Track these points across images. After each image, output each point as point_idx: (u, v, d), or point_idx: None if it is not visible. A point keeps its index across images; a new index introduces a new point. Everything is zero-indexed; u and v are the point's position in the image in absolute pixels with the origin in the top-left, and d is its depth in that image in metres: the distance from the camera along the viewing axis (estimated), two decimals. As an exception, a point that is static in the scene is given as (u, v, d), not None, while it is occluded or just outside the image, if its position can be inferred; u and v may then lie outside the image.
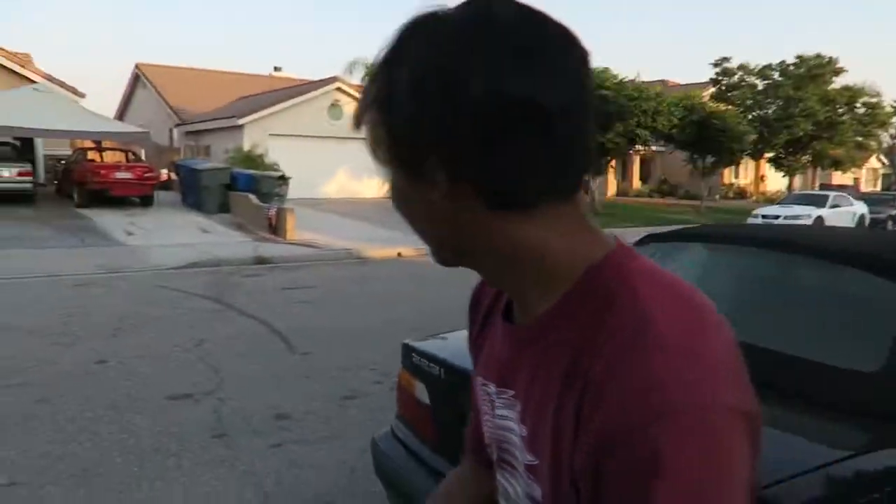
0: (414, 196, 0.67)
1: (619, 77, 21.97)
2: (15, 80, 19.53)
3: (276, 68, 36.89)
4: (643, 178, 39.37)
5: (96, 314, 7.64)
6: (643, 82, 22.79)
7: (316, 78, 26.29)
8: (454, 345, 2.41)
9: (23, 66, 20.52)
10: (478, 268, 0.72)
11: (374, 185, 25.54)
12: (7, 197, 16.67)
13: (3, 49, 20.40)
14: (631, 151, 27.71)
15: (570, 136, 0.62)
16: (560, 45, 0.63)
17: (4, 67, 20.16)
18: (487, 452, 0.84)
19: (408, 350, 2.55)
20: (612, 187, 35.99)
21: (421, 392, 2.44)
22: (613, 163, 26.51)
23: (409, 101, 0.61)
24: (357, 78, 28.78)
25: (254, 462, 3.82)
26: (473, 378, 0.85)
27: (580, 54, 0.64)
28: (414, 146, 0.63)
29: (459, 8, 0.63)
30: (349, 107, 24.62)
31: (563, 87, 0.61)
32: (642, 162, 39.06)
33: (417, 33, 0.63)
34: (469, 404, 0.94)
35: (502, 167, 0.61)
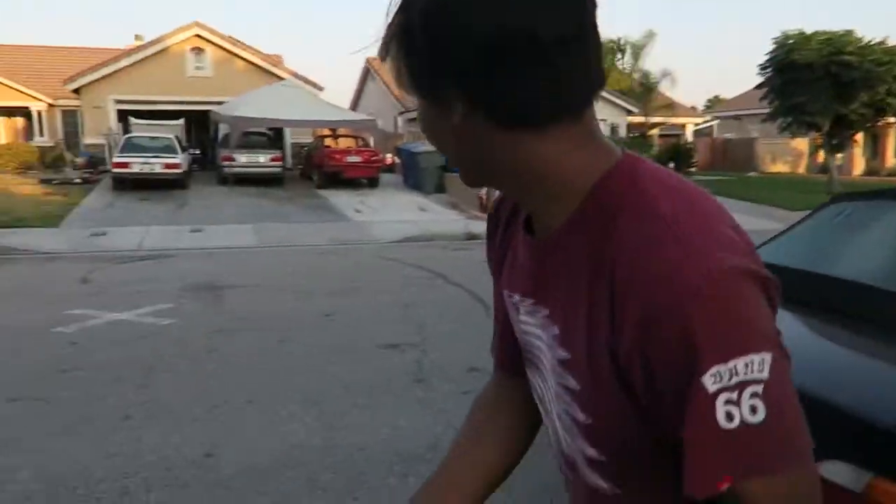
0: (438, 122, 0.73)
1: (865, 40, 19.31)
2: (268, 78, 22.50)
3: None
4: (900, 154, 34.19)
5: (327, 277, 8.75)
6: (891, 47, 19.81)
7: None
8: None
9: (274, 65, 23.54)
10: (501, 187, 0.80)
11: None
12: (262, 179, 19.36)
13: (258, 51, 23.59)
14: (881, 123, 24.20)
15: (570, 61, 0.66)
16: None
17: (260, 67, 23.31)
18: (514, 362, 0.93)
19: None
20: (858, 165, 31.79)
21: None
22: (859, 137, 23.45)
23: (422, 36, 0.68)
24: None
25: (447, 403, 4.26)
26: (497, 291, 0.93)
27: None
28: (431, 77, 0.70)
29: None
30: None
31: (560, 18, 0.65)
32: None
33: None
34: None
35: (509, 92, 0.66)
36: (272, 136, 21.59)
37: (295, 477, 3.34)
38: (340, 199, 17.65)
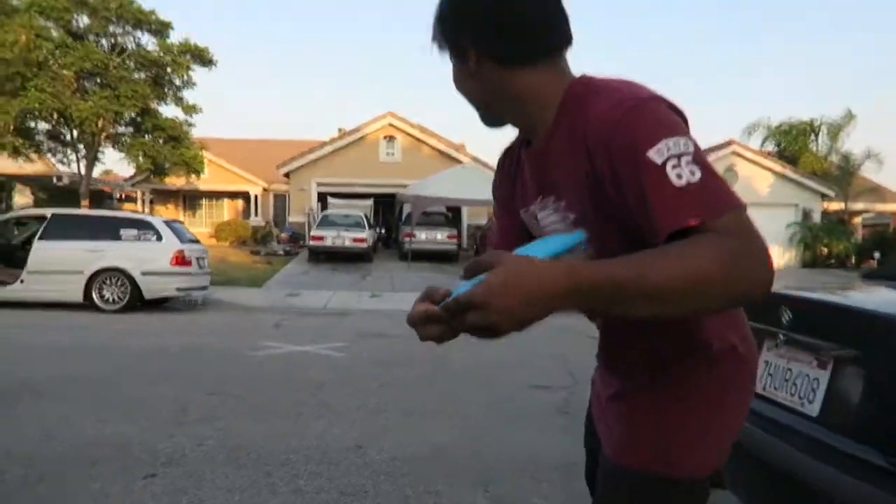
0: (462, 74, 1.09)
1: None
2: (451, 163, 24.06)
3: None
4: None
5: (489, 334, 9.04)
6: None
7: (706, 147, 25.99)
8: None
9: (457, 151, 25.17)
10: (507, 116, 1.12)
11: (774, 253, 23.34)
12: (438, 255, 20.46)
13: (443, 138, 25.41)
14: None
15: (541, 24, 1.04)
16: None
17: (443, 153, 25.04)
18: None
19: None
20: None
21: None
22: None
23: (449, 13, 1.07)
24: (757, 141, 27.48)
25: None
26: (501, 215, 1.33)
27: None
28: (451, 33, 1.07)
29: None
30: (745, 170, 23.67)
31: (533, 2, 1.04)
32: None
33: None
34: None
35: (504, 42, 1.04)
36: (450, 216, 22.84)
37: (435, 468, 3.56)
38: (510, 274, 18.04)
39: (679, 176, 0.86)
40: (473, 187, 20.00)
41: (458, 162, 24.03)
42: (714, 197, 0.87)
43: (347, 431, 4.19)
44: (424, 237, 20.41)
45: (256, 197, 29.97)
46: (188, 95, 20.02)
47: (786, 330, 2.10)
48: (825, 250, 23.92)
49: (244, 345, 7.38)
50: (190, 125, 20.08)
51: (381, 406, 4.87)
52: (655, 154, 0.88)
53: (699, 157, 0.89)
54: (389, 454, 3.78)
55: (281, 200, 29.57)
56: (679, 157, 0.88)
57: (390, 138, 25.44)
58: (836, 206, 25.43)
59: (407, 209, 21.24)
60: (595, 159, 0.96)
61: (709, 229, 0.84)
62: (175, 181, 23.50)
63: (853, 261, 23.78)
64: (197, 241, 11.91)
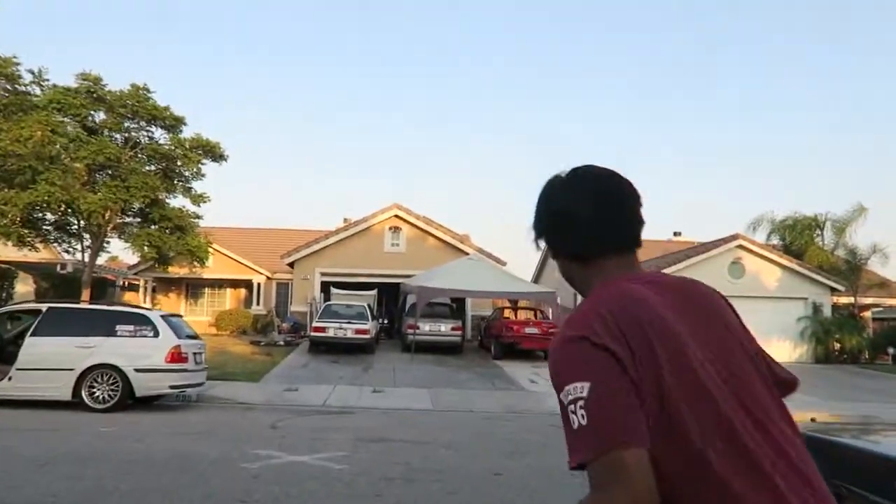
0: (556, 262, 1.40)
1: None
2: (456, 254, 23.97)
3: (675, 233, 37.59)
4: None
5: (497, 439, 8.52)
6: None
7: (712, 240, 25.96)
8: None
9: (462, 242, 25.14)
10: (580, 291, 1.36)
11: (785, 347, 23.21)
12: (442, 348, 19.97)
13: (449, 230, 25.44)
14: None
15: (599, 226, 1.30)
16: (591, 183, 1.34)
17: (448, 244, 25.00)
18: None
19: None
20: None
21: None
22: None
23: (536, 210, 1.40)
24: (762, 235, 27.49)
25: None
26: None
27: (605, 186, 1.34)
28: (535, 232, 1.39)
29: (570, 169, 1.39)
30: (752, 264, 23.51)
31: (584, 204, 1.31)
32: None
33: (549, 179, 1.40)
34: None
35: (564, 242, 1.35)
36: (454, 308, 22.51)
37: None
38: (515, 369, 17.57)
39: (573, 420, 1.08)
40: (478, 278, 19.82)
41: (463, 253, 23.95)
42: (592, 441, 1.05)
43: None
44: (428, 328, 20.01)
45: (259, 285, 29.76)
46: (197, 185, 20.18)
47: None
48: (837, 345, 23.38)
49: (238, 453, 6.88)
50: (197, 217, 20.12)
51: (385, 536, 4.38)
52: (563, 395, 1.10)
53: (592, 402, 1.06)
54: None
55: (284, 289, 29.33)
56: (575, 401, 1.07)
57: (396, 229, 25.48)
58: (844, 300, 25.09)
59: (411, 300, 20.93)
60: None
61: (591, 469, 1.06)
62: (178, 270, 23.33)
63: (867, 356, 23.19)
64: (195, 337, 11.53)
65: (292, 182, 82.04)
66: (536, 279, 37.08)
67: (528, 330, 19.48)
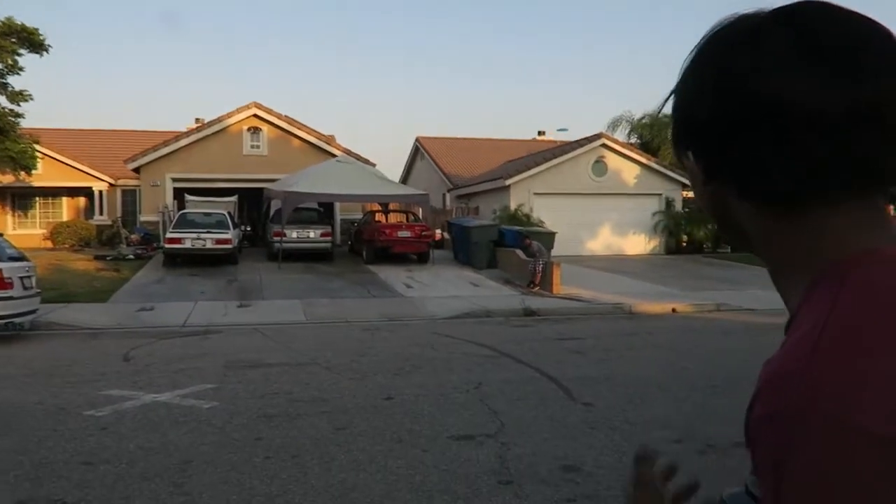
0: (691, 180, 0.68)
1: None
2: (322, 156, 22.65)
3: (539, 132, 38.04)
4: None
5: (381, 355, 8.04)
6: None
7: (576, 139, 26.40)
8: None
9: (328, 143, 23.76)
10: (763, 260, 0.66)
11: (640, 241, 24.61)
12: (311, 255, 19.08)
13: (315, 131, 23.89)
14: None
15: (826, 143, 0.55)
16: (863, 45, 0.56)
17: (314, 145, 23.55)
18: None
19: None
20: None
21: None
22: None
23: (680, 91, 0.64)
24: (622, 134, 28.43)
25: (545, 515, 3.43)
26: None
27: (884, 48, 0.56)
28: (676, 136, 0.66)
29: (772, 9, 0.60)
30: (614, 162, 24.20)
31: (850, 90, 0.54)
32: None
33: (719, 29, 0.62)
34: None
35: (754, 164, 0.58)
36: (322, 212, 21.50)
37: None
38: (389, 274, 17.15)
39: None
40: (347, 181, 18.83)
41: (330, 155, 22.70)
42: None
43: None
44: (296, 235, 18.96)
45: (101, 193, 26.79)
46: (14, 82, 17.23)
47: None
48: (686, 237, 25.05)
49: (81, 398, 5.86)
50: (17, 116, 17.30)
51: (273, 497, 3.74)
52: None
53: None
54: None
55: (131, 197, 26.60)
56: None
57: (255, 130, 23.51)
58: (693, 194, 26.78)
59: (276, 205, 19.65)
60: None
61: None
62: (1, 178, 20.27)
63: (710, 246, 25.08)
64: (22, 258, 9.87)
65: (137, 81, 73.82)
66: (405, 180, 36.49)
67: (401, 233, 18.99)
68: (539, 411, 5.39)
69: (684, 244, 24.86)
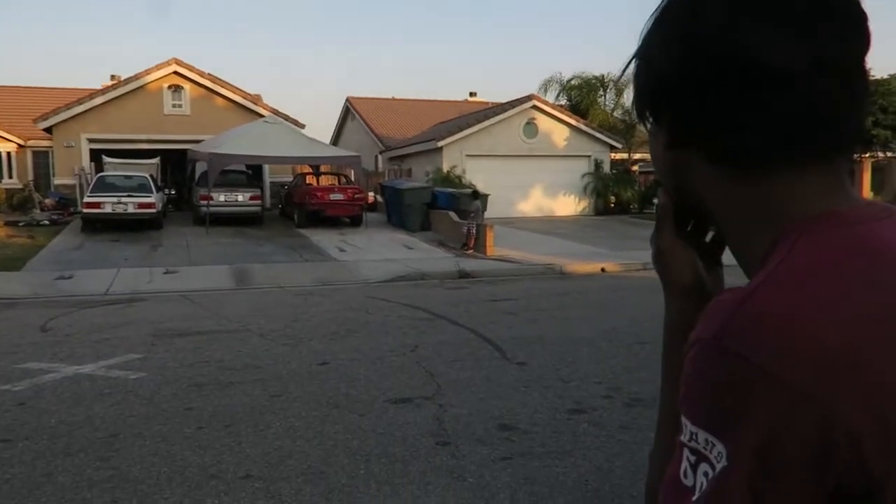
0: (652, 146, 0.67)
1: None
2: (248, 116, 21.87)
3: (471, 94, 37.87)
4: (876, 188, 34.48)
5: (315, 320, 7.95)
6: (877, 78, 19.81)
7: (508, 101, 26.42)
8: None
9: (255, 103, 22.95)
10: (722, 234, 0.69)
11: (570, 202, 25.08)
12: (241, 219, 18.56)
13: (240, 90, 22.99)
14: (864, 157, 24.27)
15: (815, 97, 0.55)
16: (829, 8, 0.56)
17: (240, 105, 22.70)
18: None
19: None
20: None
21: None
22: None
23: (644, 54, 0.63)
24: (552, 96, 28.62)
25: (483, 474, 3.48)
26: None
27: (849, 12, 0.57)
28: (640, 101, 0.65)
29: None
30: (545, 124, 24.40)
31: (816, 49, 0.55)
32: (875, 169, 34.25)
33: None
34: None
35: (724, 123, 0.57)
36: (251, 175, 20.87)
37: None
38: (322, 238, 16.90)
39: (685, 475, 0.55)
40: (275, 142, 18.29)
41: (257, 115, 21.94)
42: None
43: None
44: (223, 199, 18.35)
45: (10, 155, 25.15)
46: None
47: None
48: (614, 198, 25.67)
49: (-4, 370, 5.55)
50: None
51: (208, 468, 3.66)
52: (684, 432, 0.55)
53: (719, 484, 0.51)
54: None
55: (43, 159, 25.07)
56: (697, 457, 0.53)
57: (176, 88, 22.41)
58: (620, 156, 27.35)
59: (201, 168, 18.91)
60: None
61: None
62: None
63: (636, 207, 25.80)
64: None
65: (48, 33, 68.80)
66: (335, 142, 35.79)
67: (333, 196, 18.66)
68: (475, 372, 5.46)
69: (612, 205, 25.47)
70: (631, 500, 3.16)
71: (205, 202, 17.70)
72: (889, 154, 27.15)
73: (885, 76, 19.67)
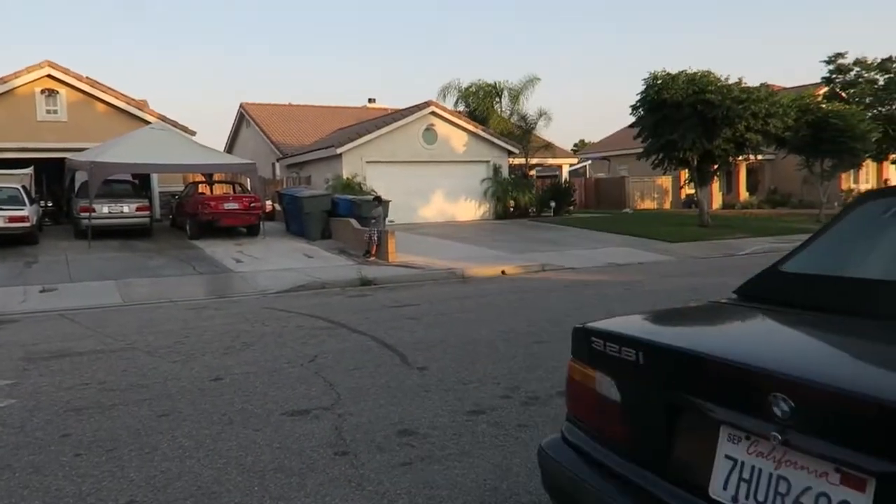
0: None
1: (723, 80, 20.69)
2: (133, 123, 20.77)
3: (370, 100, 37.69)
4: (750, 189, 37.16)
5: (209, 334, 7.61)
6: (747, 87, 21.37)
7: (406, 107, 26.50)
8: (648, 326, 1.95)
9: (140, 109, 21.81)
10: None
11: (471, 207, 25.45)
12: (128, 231, 17.56)
13: (124, 95, 21.78)
14: (739, 159, 26.07)
15: None
16: None
17: (125, 112, 21.51)
18: None
19: (585, 335, 2.06)
20: (716, 200, 34.17)
21: (606, 386, 1.96)
22: (717, 173, 25.01)
23: None
24: (451, 102, 28.99)
25: (382, 482, 3.43)
26: None
27: None
28: None
29: None
30: (444, 130, 24.65)
31: None
32: (749, 172, 36.91)
33: None
34: None
35: None
36: (138, 185, 19.80)
37: None
38: (217, 249, 16.27)
39: None
40: (164, 150, 17.46)
41: (142, 121, 20.88)
42: None
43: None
44: (107, 210, 17.31)
45: None
46: None
47: (780, 427, 1.45)
48: (512, 202, 26.28)
49: None
50: None
51: (80, 490, 3.40)
52: None
53: None
54: None
55: None
56: None
57: (51, 92, 20.93)
58: (518, 160, 28.07)
59: (81, 177, 17.76)
60: None
61: None
62: None
63: (535, 210, 26.53)
64: None
65: None
66: (230, 149, 34.60)
67: (228, 205, 18.01)
68: (375, 379, 5.40)
69: (512, 209, 26.08)
70: (528, 496, 3.20)
71: (86, 214, 16.63)
72: (760, 157, 29.34)
73: (756, 84, 21.20)
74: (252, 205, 18.30)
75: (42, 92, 20.78)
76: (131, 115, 21.41)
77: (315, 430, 4.25)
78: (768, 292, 2.21)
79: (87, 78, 21.24)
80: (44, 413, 4.75)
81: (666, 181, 33.83)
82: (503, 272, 13.50)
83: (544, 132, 30.23)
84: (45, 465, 3.82)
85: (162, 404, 4.87)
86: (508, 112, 29.23)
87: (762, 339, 1.96)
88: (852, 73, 30.56)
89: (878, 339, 1.76)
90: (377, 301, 10.08)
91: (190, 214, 18.11)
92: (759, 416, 1.47)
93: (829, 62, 30.76)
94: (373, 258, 15.11)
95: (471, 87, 29.44)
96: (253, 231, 18.45)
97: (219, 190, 20.53)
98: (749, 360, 1.58)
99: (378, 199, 16.97)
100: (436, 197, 24.75)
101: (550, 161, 32.89)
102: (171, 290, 11.48)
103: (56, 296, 11.07)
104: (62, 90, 20.98)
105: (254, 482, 3.49)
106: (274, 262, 14.67)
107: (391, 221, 18.63)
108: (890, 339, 1.73)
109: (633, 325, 2.06)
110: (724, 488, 1.59)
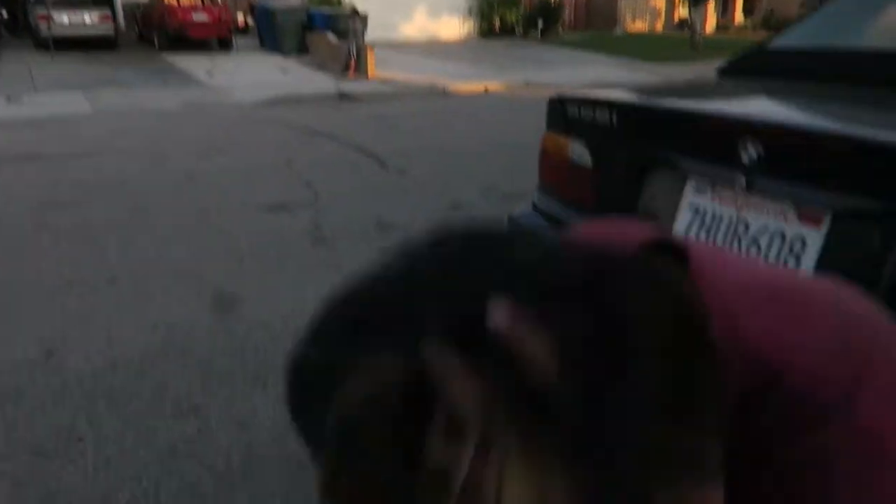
0: None
1: None
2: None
3: None
4: (747, 12, 35.52)
5: (182, 140, 7.44)
6: None
7: None
8: (623, 93, 1.90)
9: None
10: None
11: (454, 24, 24.20)
12: (91, 43, 16.59)
13: None
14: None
15: None
16: None
17: None
18: None
19: (560, 104, 2.01)
20: (711, 22, 32.76)
21: (578, 152, 1.93)
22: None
23: None
24: None
25: (360, 264, 3.50)
26: None
27: None
28: None
29: None
30: (426, -62, 22.75)
31: None
32: (747, -6, 35.07)
33: None
34: None
35: None
36: (97, -7, 18.38)
37: (176, 368, 2.51)
38: (189, 63, 15.50)
39: None
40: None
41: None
42: None
43: (27, 330, 2.81)
44: (67, 20, 16.23)
45: None
46: None
47: (746, 172, 1.43)
48: (498, 21, 25.01)
49: None
50: None
51: (68, 275, 3.45)
52: None
53: None
54: (105, 355, 2.59)
55: None
56: None
57: None
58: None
59: (35, -16, 16.43)
60: None
61: None
62: None
63: (521, 30, 25.35)
64: None
65: None
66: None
67: (196, 16, 16.92)
68: (354, 181, 5.37)
69: (497, 28, 24.86)
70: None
71: (44, 23, 15.58)
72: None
73: None
74: (222, 17, 17.22)
75: None
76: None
77: (293, 223, 4.28)
78: (752, 69, 2.13)
79: None
80: (19, 206, 4.72)
81: (660, 1, 32.16)
82: (486, 89, 13.12)
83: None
84: (23, 249, 3.84)
85: (137, 199, 4.85)
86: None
87: (735, 96, 1.92)
88: None
89: (856, 99, 1.72)
90: (356, 113, 9.83)
91: (157, 26, 17.07)
92: (727, 164, 1.44)
93: None
94: (352, 74, 14.54)
95: None
96: (225, 45, 17.54)
97: (187, 1, 19.17)
98: (722, 110, 1.54)
99: (355, 11, 15.95)
100: (417, 13, 23.44)
101: (540, -23, 30.90)
102: (141, 100, 11.07)
103: (22, 105, 10.65)
104: None
105: (233, 264, 3.55)
106: (248, 76, 14.08)
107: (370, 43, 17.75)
108: (869, 100, 1.69)
109: (608, 92, 2.00)
110: (686, 235, 1.61)
